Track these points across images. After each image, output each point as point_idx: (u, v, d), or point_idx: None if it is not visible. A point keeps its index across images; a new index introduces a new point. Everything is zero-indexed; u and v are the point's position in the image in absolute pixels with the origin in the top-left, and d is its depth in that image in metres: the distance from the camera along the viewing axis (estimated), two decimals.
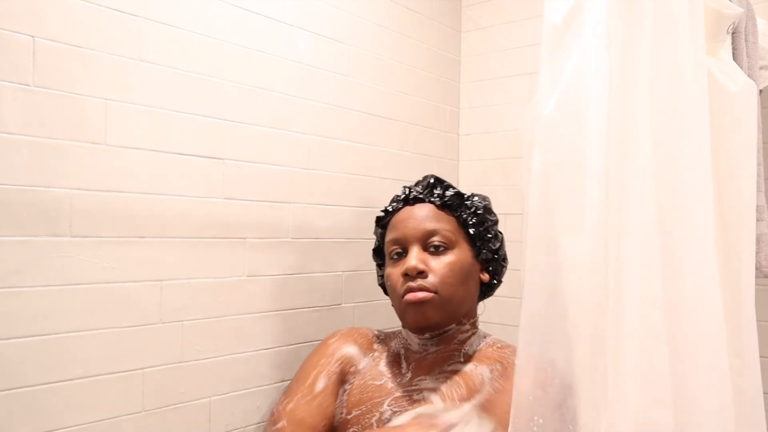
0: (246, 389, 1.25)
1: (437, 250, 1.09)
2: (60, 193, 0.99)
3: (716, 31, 1.05)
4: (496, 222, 1.18)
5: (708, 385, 0.89)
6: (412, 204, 1.15)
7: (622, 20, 0.92)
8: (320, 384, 1.14)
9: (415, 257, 1.07)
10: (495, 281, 1.18)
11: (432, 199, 1.14)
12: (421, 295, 1.05)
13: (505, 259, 1.20)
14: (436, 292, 1.06)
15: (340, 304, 1.45)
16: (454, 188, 1.17)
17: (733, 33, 1.11)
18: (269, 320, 1.30)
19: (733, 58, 1.13)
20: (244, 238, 1.25)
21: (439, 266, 1.08)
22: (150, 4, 1.09)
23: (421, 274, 1.06)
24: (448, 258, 1.09)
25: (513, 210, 1.74)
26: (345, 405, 1.14)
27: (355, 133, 1.49)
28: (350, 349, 1.20)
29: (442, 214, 1.12)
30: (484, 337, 1.17)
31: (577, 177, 0.89)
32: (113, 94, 1.04)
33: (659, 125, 0.92)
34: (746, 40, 1.17)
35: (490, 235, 1.14)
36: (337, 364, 1.18)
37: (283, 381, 1.32)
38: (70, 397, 1.00)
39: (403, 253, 1.11)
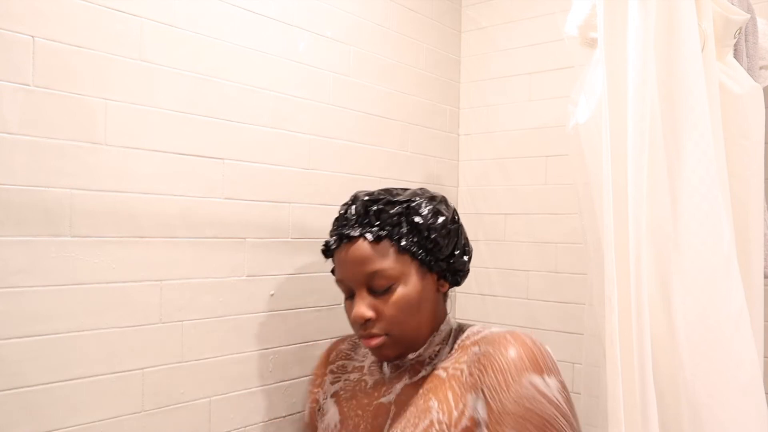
0: (246, 389, 1.25)
1: (383, 291, 1.02)
2: (60, 193, 0.99)
3: (724, 35, 1.06)
4: (443, 223, 1.05)
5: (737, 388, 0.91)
6: (348, 243, 1.04)
7: (634, 30, 0.94)
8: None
9: (361, 304, 1.02)
10: (459, 279, 1.11)
11: (366, 234, 1.03)
12: (374, 342, 1.03)
13: (464, 252, 1.09)
14: (387, 334, 1.03)
15: (340, 304, 1.45)
16: (391, 202, 1.05)
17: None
18: (269, 320, 1.30)
19: (734, 58, 1.13)
20: (244, 238, 1.25)
21: (386, 308, 1.02)
22: (150, 4, 1.09)
23: (369, 321, 1.02)
24: (395, 296, 1.02)
25: (513, 210, 1.75)
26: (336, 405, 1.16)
27: (355, 132, 1.49)
28: (342, 356, 1.23)
29: (379, 249, 1.02)
30: (460, 331, 1.10)
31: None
32: (113, 94, 1.04)
33: (673, 129, 0.94)
34: (746, 40, 1.18)
35: (440, 244, 1.04)
36: (328, 371, 1.22)
37: (282, 381, 1.32)
38: (70, 397, 1.00)
39: (352, 293, 1.06)
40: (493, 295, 1.78)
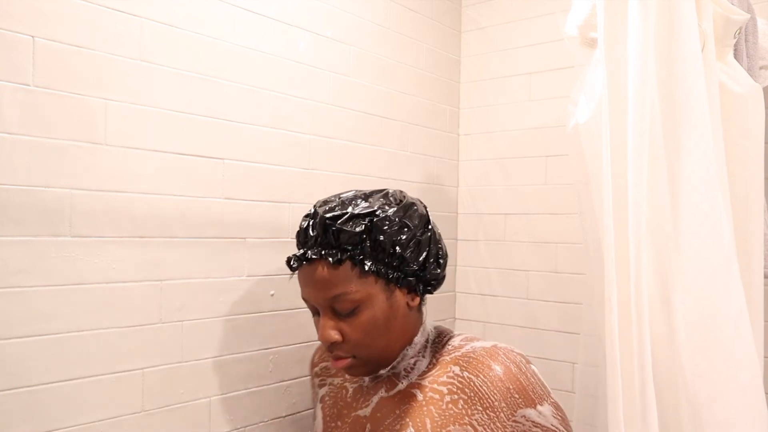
0: (246, 389, 1.25)
1: (347, 313, 0.98)
2: (60, 193, 0.99)
3: (724, 35, 1.06)
4: (411, 236, 0.99)
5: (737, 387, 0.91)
6: (308, 264, 1.00)
7: (634, 31, 0.94)
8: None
9: (326, 326, 0.99)
10: (432, 289, 1.06)
11: (326, 255, 0.97)
12: (341, 364, 1.01)
13: (437, 261, 1.04)
14: (354, 356, 1.00)
15: None
16: (353, 217, 0.98)
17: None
18: (269, 320, 1.30)
19: (734, 58, 1.13)
20: (244, 238, 1.25)
21: (351, 331, 0.98)
22: (150, 4, 1.09)
23: (335, 343, 0.99)
24: (360, 319, 0.98)
25: (513, 210, 1.75)
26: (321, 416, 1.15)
27: (355, 133, 1.49)
28: (325, 358, 1.22)
29: (340, 271, 0.96)
30: (439, 341, 1.06)
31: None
32: (113, 94, 1.04)
33: (673, 129, 0.94)
34: (746, 40, 1.18)
35: (407, 259, 0.99)
36: (314, 373, 1.23)
37: (282, 381, 1.32)
38: (70, 397, 1.00)
39: (317, 311, 1.02)
40: (493, 295, 1.78)
